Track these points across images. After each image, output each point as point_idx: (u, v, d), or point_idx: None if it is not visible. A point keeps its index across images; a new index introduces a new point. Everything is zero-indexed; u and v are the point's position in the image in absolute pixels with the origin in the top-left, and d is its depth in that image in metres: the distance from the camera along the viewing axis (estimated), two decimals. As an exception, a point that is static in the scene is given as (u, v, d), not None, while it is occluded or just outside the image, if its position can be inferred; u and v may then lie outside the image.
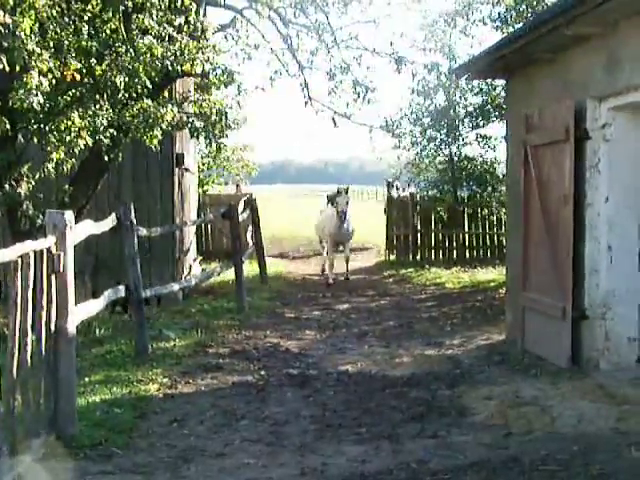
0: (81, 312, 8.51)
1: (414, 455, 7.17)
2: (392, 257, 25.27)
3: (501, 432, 7.77)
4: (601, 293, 9.61)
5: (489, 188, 25.80)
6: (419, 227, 24.68)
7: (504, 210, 20.07)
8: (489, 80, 21.68)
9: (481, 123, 25.21)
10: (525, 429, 7.83)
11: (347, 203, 20.34)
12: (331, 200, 21.04)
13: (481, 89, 24.41)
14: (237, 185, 28.45)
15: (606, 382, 9.06)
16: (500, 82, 19.77)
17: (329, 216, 21.06)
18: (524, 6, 19.79)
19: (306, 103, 17.76)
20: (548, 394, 8.94)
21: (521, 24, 17.49)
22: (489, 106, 24.39)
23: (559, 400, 8.65)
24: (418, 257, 24.47)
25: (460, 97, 25.34)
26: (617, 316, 9.58)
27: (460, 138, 25.84)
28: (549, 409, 8.36)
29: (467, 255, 24.69)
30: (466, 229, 24.91)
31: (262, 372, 10.66)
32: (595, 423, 7.83)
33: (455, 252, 24.73)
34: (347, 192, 20.83)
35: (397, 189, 26.15)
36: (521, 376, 9.97)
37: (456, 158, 26.05)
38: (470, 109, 25.26)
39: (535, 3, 19.17)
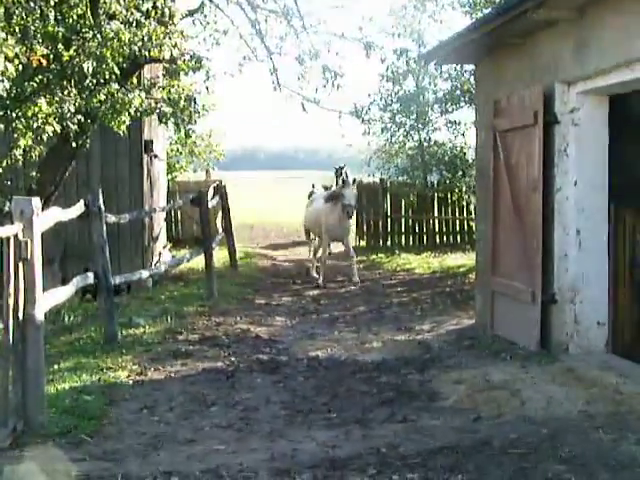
0: (49, 299, 8.45)
1: (384, 439, 7.16)
2: (362, 243, 25.30)
3: (471, 416, 7.79)
4: (570, 277, 9.66)
5: (459, 173, 25.84)
6: (389, 213, 24.71)
7: (474, 195, 20.10)
8: (458, 65, 21.73)
9: (450, 109, 25.25)
10: (495, 413, 7.86)
11: (355, 196, 18.10)
12: (333, 194, 18.38)
13: (450, 75, 24.42)
14: (207, 171, 28.30)
15: (575, 366, 9.10)
16: (469, 67, 19.81)
17: (326, 208, 18.28)
18: (493, -9, 19.81)
19: (275, 89, 17.66)
20: (517, 378, 8.97)
21: (490, 9, 17.50)
22: (458, 91, 24.40)
23: (528, 384, 8.68)
24: (388, 243, 24.53)
25: (429, 83, 25.37)
26: (586, 300, 9.62)
27: (430, 124, 25.88)
28: (518, 393, 8.40)
29: (437, 240, 24.79)
30: (436, 214, 24.99)
31: (232, 358, 10.63)
32: (564, 406, 7.88)
33: (425, 237, 24.82)
34: (346, 173, 20.69)
35: (346, 176, 23.07)
36: (491, 360, 10.00)
37: (426, 144, 26.09)
38: (439, 95, 25.29)
39: (504, -12, 19.17)
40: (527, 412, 7.82)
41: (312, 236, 20.09)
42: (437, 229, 24.99)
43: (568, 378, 8.74)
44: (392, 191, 25.19)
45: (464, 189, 24.67)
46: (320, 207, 18.69)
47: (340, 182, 18.23)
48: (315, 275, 18.80)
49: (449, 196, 25.04)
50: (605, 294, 9.64)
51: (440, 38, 20.70)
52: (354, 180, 18.40)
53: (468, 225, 24.30)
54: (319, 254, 18.85)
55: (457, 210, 25.08)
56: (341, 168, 23.59)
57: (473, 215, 22.77)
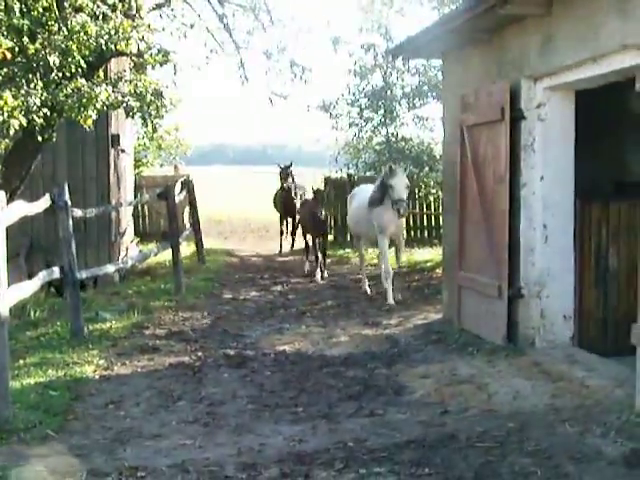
0: (14, 294, 8.40)
1: (351, 434, 7.19)
2: (330, 238, 25.27)
3: (438, 410, 7.83)
4: (536, 271, 9.71)
5: (426, 169, 25.85)
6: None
7: (441, 190, 20.16)
8: (426, 60, 21.77)
9: (418, 104, 25.25)
10: (461, 407, 7.91)
11: (407, 187, 14.36)
12: (380, 186, 14.42)
13: (418, 70, 24.45)
14: (175, 166, 28.15)
15: (541, 359, 9.17)
16: (437, 62, 19.85)
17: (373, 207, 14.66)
18: (461, -13, 19.87)
19: (243, 83, 17.65)
20: (484, 372, 9.03)
21: (457, 5, 17.55)
22: (426, 87, 24.43)
23: (495, 378, 8.75)
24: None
25: (397, 78, 25.35)
26: (552, 294, 9.69)
27: (397, 119, 25.85)
28: (485, 387, 8.46)
29: (404, 235, 24.79)
30: (404, 209, 24.96)
31: (199, 353, 10.62)
32: (530, 400, 7.94)
33: (393, 232, 24.76)
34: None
35: (292, 178, 21.47)
36: (458, 354, 10.04)
37: (393, 139, 26.05)
38: (407, 90, 25.28)
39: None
40: (494, 406, 7.88)
41: (362, 242, 16.59)
42: (405, 224, 25.01)
43: (534, 372, 8.82)
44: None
45: (431, 184, 24.68)
46: (365, 204, 14.98)
47: (387, 170, 14.44)
48: (364, 280, 15.88)
49: (416, 191, 25.04)
50: (571, 288, 9.70)
51: (408, 33, 20.79)
52: (405, 167, 15.63)
53: (435, 220, 24.32)
54: (382, 265, 14.70)
55: (424, 205, 25.09)
56: (287, 167, 21.71)
57: (440, 210, 22.82)
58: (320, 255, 17.48)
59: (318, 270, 17.36)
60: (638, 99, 7.87)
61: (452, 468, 6.23)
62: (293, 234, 22.63)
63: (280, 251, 22.39)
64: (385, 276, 14.36)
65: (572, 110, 9.73)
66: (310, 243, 18.12)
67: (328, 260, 19.39)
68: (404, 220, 15.11)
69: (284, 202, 21.66)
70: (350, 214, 16.52)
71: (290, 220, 22.31)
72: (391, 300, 13.94)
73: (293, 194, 20.98)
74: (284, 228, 22.53)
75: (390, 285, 14.19)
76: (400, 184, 13.99)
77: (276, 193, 22.63)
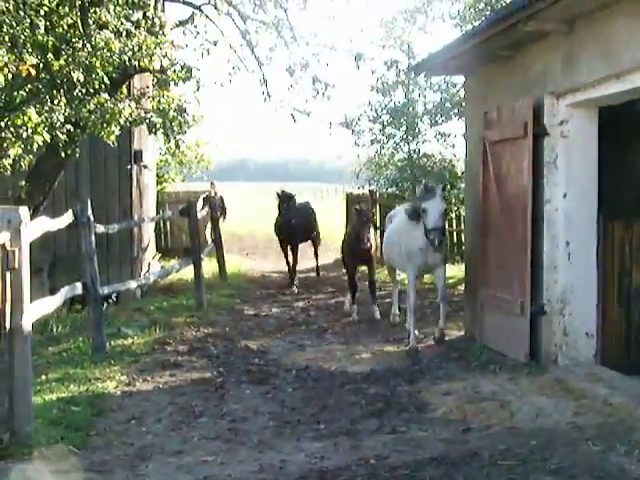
0: (37, 309, 8.43)
1: (373, 451, 7.16)
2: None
3: (460, 427, 7.80)
4: (559, 289, 9.67)
5: (448, 185, 25.83)
6: (379, 224, 24.67)
7: (463, 207, 20.09)
8: (448, 77, 21.77)
9: (440, 120, 25.23)
10: (484, 424, 7.87)
11: (444, 211, 11.81)
12: (413, 209, 11.85)
13: (440, 86, 24.45)
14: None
15: (564, 377, 9.11)
16: (459, 79, 19.83)
17: (403, 229, 12.36)
18: (483, 4, 19.86)
19: (265, 99, 17.66)
20: (506, 389, 8.98)
21: (480, 21, 17.55)
22: (448, 103, 24.41)
23: (518, 395, 8.70)
24: (378, 254, 24.47)
25: (419, 94, 25.34)
26: (575, 312, 9.64)
27: (419, 135, 25.84)
28: (508, 404, 8.40)
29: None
30: (426, 226, 24.87)
31: (220, 369, 10.62)
32: (553, 418, 7.88)
33: (415, 249, 24.67)
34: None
35: (290, 201, 19.40)
36: (480, 372, 10.00)
37: (415, 155, 26.03)
38: (429, 106, 25.27)
39: (494, 1, 19.24)
40: (516, 423, 7.84)
41: (397, 272, 14.46)
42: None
43: (557, 389, 8.76)
44: (382, 202, 25.16)
45: (453, 201, 24.64)
46: (397, 227, 12.91)
47: (421, 189, 11.84)
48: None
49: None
50: (594, 306, 9.65)
51: (430, 50, 20.80)
52: (444, 186, 12.47)
53: (457, 237, 24.27)
54: (410, 299, 12.16)
55: (446, 222, 25.02)
56: (290, 197, 19.49)
57: (462, 227, 22.76)
58: (368, 289, 15.11)
59: (354, 306, 14.84)
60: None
61: (474, 486, 6.21)
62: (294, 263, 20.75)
63: (291, 281, 19.31)
64: (409, 309, 12.10)
65: (595, 127, 9.70)
66: (352, 274, 15.29)
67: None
68: (442, 252, 11.94)
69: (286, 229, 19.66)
70: (385, 238, 14.04)
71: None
72: (413, 341, 11.71)
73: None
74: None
75: (413, 321, 11.92)
76: (435, 209, 11.27)
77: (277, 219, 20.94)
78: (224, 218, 24.38)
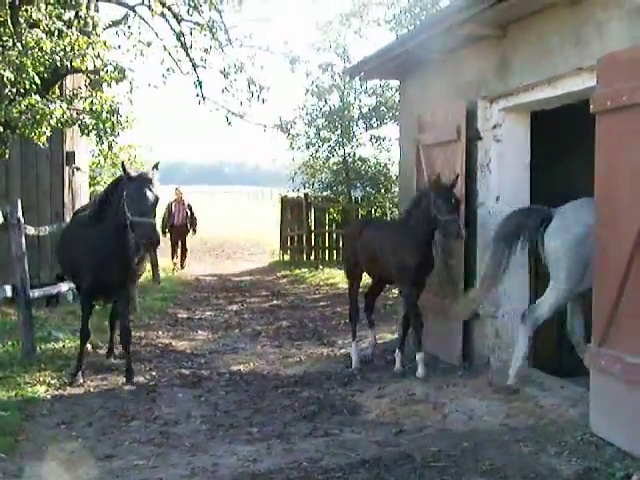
0: (-36, 312, 8.28)
1: (306, 454, 7.14)
2: (286, 257, 25.28)
3: (393, 429, 7.80)
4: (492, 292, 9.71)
5: (383, 189, 25.94)
6: (313, 227, 24.71)
7: (397, 211, 20.19)
8: (383, 81, 21.86)
9: (375, 124, 25.36)
10: (417, 426, 7.88)
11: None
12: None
13: (375, 90, 24.57)
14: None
15: (496, 379, 9.16)
16: (394, 83, 19.92)
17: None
18: (418, 8, 19.99)
19: (200, 102, 17.60)
20: (440, 392, 9.01)
21: (414, 26, 17.64)
22: (383, 107, 24.55)
23: (451, 398, 8.73)
24: (312, 257, 24.50)
25: (354, 98, 25.44)
26: (508, 315, 9.70)
27: (354, 139, 25.93)
28: (441, 407, 8.43)
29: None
30: (360, 230, 24.95)
31: (153, 373, 10.53)
32: (485, 420, 7.93)
33: (349, 252, 24.74)
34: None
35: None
36: (413, 375, 10.00)
37: (350, 159, 26.12)
38: (364, 110, 25.38)
39: (429, 6, 19.37)
40: (449, 425, 7.87)
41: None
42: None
43: (489, 392, 8.80)
44: (316, 206, 25.21)
45: (387, 205, 24.75)
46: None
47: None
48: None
49: (373, 212, 25.09)
50: (526, 309, 9.71)
51: (365, 54, 20.88)
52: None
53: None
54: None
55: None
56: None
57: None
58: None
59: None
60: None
61: (407, 488, 6.21)
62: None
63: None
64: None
65: (527, 131, 9.78)
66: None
67: (284, 280, 19.23)
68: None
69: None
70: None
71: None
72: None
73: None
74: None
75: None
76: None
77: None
78: (194, 231, 24.23)
